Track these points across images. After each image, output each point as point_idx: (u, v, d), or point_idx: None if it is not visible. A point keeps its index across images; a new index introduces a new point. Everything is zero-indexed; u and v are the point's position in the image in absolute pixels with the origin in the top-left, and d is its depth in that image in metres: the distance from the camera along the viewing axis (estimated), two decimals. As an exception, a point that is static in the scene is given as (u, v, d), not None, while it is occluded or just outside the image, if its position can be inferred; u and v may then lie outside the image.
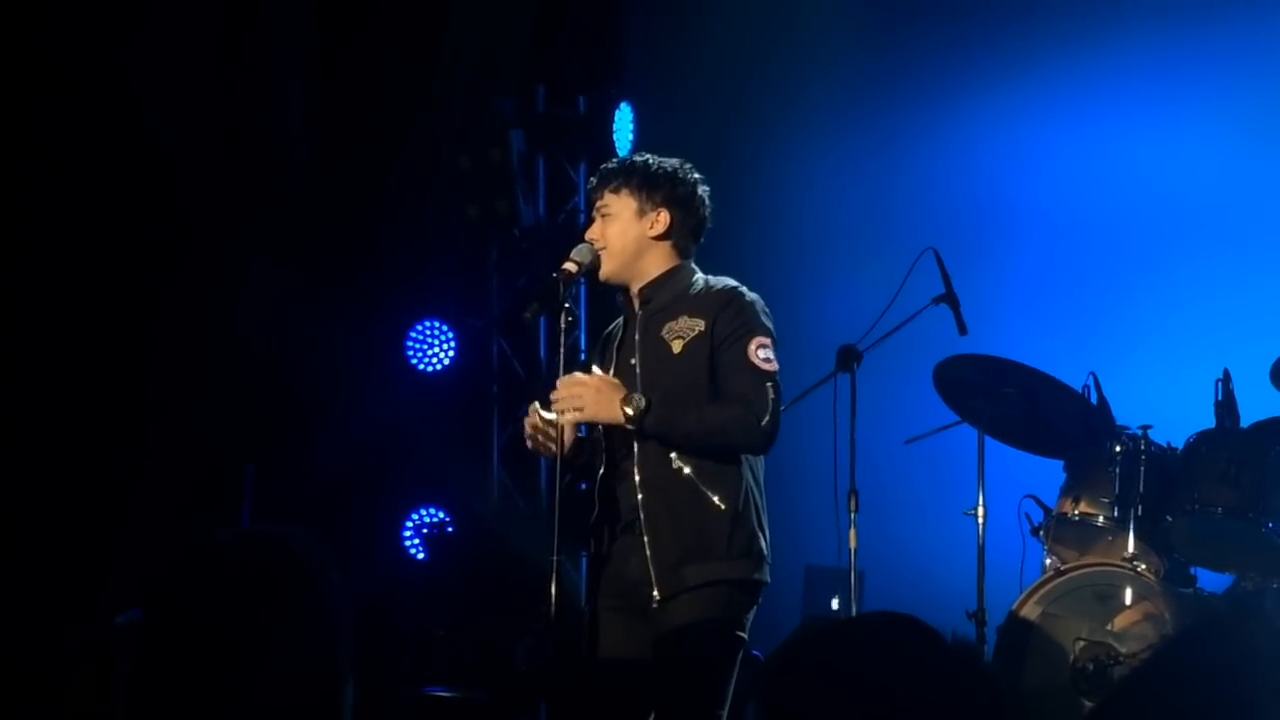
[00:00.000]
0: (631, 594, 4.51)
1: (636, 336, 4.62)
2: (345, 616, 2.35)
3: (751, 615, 4.55)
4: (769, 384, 4.49)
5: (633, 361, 4.59)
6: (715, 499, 4.47)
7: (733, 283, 4.63)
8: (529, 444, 4.61)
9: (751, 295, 4.59)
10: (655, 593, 4.47)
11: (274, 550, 2.38)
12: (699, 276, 4.66)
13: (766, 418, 4.45)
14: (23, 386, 6.89)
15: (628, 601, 4.51)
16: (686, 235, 4.68)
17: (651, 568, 4.48)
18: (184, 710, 2.25)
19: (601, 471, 4.60)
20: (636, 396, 4.44)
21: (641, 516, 4.50)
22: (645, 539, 4.48)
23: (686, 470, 4.47)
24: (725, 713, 4.49)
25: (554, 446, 4.54)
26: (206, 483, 6.94)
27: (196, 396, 7.30)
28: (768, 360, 4.51)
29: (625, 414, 4.42)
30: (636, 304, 4.67)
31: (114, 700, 3.09)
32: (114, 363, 7.13)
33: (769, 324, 4.57)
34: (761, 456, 4.60)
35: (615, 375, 4.60)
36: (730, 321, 4.51)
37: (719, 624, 4.46)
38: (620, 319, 4.74)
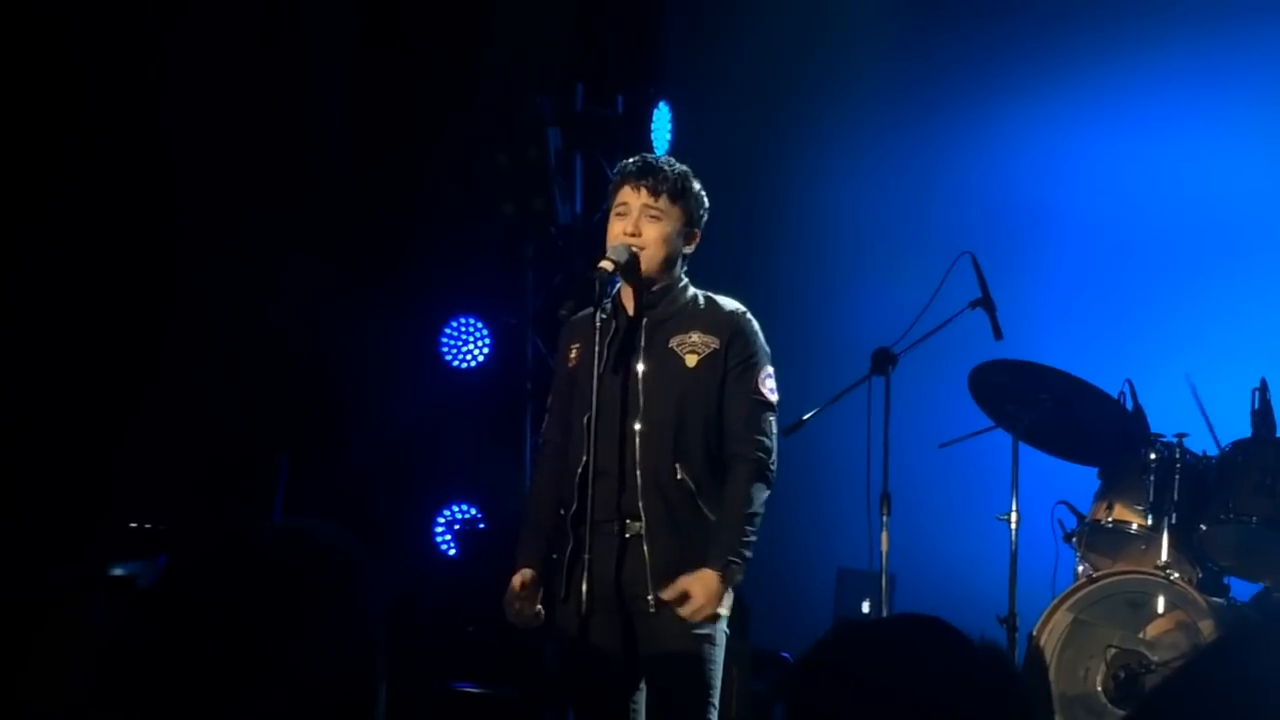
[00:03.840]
0: (620, 594, 4.55)
1: (642, 342, 4.63)
2: (380, 616, 2.35)
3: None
4: (774, 417, 4.68)
5: (640, 368, 4.60)
6: (707, 511, 4.56)
7: (738, 304, 4.73)
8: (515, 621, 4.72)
9: (756, 322, 4.71)
10: (650, 595, 4.52)
11: (312, 546, 2.38)
12: (692, 288, 4.72)
13: (773, 456, 4.62)
14: (59, 373, 6.92)
15: (612, 602, 4.55)
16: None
17: (649, 572, 4.53)
18: (212, 703, 2.26)
19: (584, 462, 4.59)
20: (730, 566, 4.49)
21: (644, 520, 4.54)
22: (645, 543, 4.54)
23: (688, 481, 4.55)
24: (718, 700, 4.59)
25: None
26: (240, 473, 6.96)
27: (231, 387, 7.32)
28: (773, 391, 4.68)
29: (730, 579, 4.51)
30: (639, 306, 4.67)
31: (83, 644, 3.05)
32: (151, 352, 7.15)
33: (768, 350, 4.71)
34: None
35: (612, 376, 4.60)
36: (744, 349, 4.64)
37: (708, 623, 4.53)
38: (599, 311, 4.61)
